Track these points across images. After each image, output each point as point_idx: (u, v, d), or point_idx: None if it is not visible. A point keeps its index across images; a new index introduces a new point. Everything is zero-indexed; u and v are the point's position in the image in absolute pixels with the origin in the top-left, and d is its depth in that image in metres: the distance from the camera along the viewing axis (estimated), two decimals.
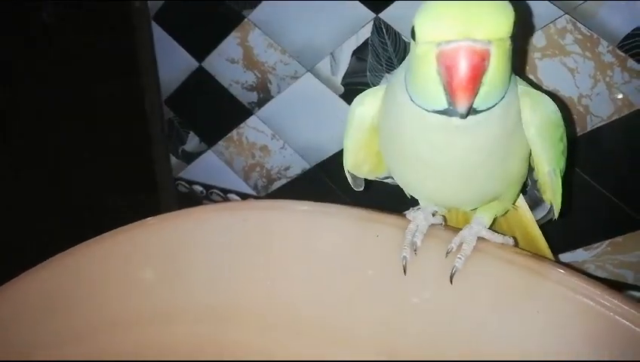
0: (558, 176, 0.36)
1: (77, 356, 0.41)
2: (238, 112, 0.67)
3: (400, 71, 0.33)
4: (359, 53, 0.55)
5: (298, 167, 0.66)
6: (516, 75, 0.33)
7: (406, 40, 0.52)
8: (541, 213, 0.43)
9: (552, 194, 0.36)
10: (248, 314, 0.43)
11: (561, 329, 0.33)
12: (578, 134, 0.48)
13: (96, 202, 0.75)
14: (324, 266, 0.41)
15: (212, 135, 0.71)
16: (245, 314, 0.43)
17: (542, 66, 0.48)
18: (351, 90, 0.58)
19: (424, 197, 0.40)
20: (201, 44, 0.65)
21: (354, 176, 0.43)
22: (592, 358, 0.31)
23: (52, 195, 0.73)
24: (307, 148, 0.64)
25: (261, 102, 0.65)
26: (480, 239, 0.36)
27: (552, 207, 0.38)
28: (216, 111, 0.69)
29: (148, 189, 0.78)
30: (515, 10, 0.27)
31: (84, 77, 0.70)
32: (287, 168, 0.67)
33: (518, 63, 0.48)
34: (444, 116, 0.29)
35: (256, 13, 0.59)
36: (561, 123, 0.35)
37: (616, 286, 0.51)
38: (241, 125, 0.67)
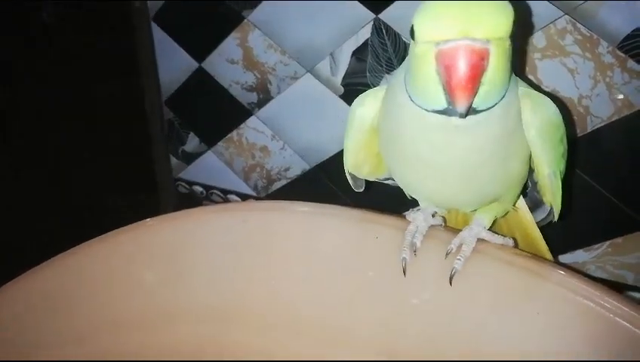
0: (558, 179, 0.36)
1: (79, 356, 0.41)
2: (238, 113, 0.67)
3: (400, 71, 0.33)
4: (359, 53, 0.55)
5: (298, 167, 0.66)
6: (516, 75, 0.33)
7: (406, 40, 0.52)
8: (541, 215, 0.43)
9: (552, 196, 0.36)
10: (249, 314, 0.43)
11: (561, 330, 0.33)
12: (578, 135, 0.48)
13: (96, 202, 0.75)
14: (324, 267, 0.42)
15: (212, 136, 0.71)
16: (246, 314, 0.43)
17: (542, 67, 0.48)
18: (351, 90, 0.58)
19: (424, 198, 0.40)
20: (201, 44, 0.65)
21: (354, 177, 0.43)
22: (592, 359, 0.31)
23: (52, 195, 0.73)
24: (307, 148, 0.64)
25: (261, 103, 0.65)
26: (480, 240, 0.36)
27: (552, 209, 0.38)
28: (216, 112, 0.69)
29: (148, 189, 0.78)
30: (515, 9, 0.28)
31: (84, 77, 0.70)
32: (287, 169, 0.67)
33: (518, 64, 0.48)
34: (443, 116, 0.29)
35: (256, 14, 0.59)
36: (562, 125, 0.35)
37: (616, 287, 0.51)
38: (241, 126, 0.67)
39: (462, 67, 0.26)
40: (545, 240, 0.43)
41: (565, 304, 0.33)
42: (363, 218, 0.41)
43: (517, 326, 0.34)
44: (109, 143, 0.74)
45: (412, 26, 0.28)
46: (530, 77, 0.48)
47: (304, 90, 0.60)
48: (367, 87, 0.56)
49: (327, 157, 0.63)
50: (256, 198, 0.71)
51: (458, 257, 0.36)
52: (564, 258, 0.54)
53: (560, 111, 0.34)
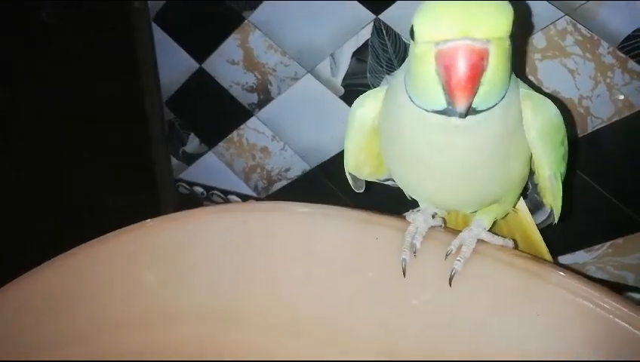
0: (558, 181, 0.36)
1: (80, 356, 0.41)
2: (239, 114, 0.67)
3: (400, 72, 0.33)
4: (359, 54, 0.55)
5: (298, 168, 0.66)
6: (517, 76, 0.33)
7: (406, 41, 0.52)
8: (541, 217, 0.43)
9: (553, 198, 0.36)
10: (249, 315, 0.43)
11: (561, 331, 0.33)
12: (579, 136, 0.48)
13: (96, 202, 0.75)
14: (324, 268, 0.42)
15: (212, 136, 0.71)
16: (246, 315, 0.43)
17: (542, 68, 0.48)
18: (351, 91, 0.58)
19: (424, 199, 0.40)
20: (202, 45, 0.65)
21: (354, 178, 0.43)
22: (591, 360, 0.31)
23: (52, 195, 0.73)
24: (307, 149, 0.64)
25: (261, 104, 0.65)
26: (479, 241, 0.36)
27: (552, 211, 0.38)
28: (216, 113, 0.69)
29: (148, 190, 0.78)
30: (515, 9, 0.28)
31: (84, 77, 0.70)
32: (287, 169, 0.67)
33: (519, 65, 0.48)
34: (443, 116, 0.29)
35: (257, 15, 0.59)
36: (563, 127, 0.35)
37: (616, 288, 0.51)
38: (242, 126, 0.67)
39: (461, 67, 0.26)
40: (545, 241, 0.43)
41: (565, 305, 0.33)
42: (363, 219, 0.41)
43: (517, 327, 0.34)
44: (109, 143, 0.74)
45: (412, 26, 0.28)
46: (531, 77, 0.48)
47: (304, 90, 0.60)
48: (367, 87, 0.56)
49: (328, 157, 0.63)
50: (257, 199, 0.71)
51: (458, 258, 0.36)
52: (564, 258, 0.53)
53: (560, 112, 0.34)
